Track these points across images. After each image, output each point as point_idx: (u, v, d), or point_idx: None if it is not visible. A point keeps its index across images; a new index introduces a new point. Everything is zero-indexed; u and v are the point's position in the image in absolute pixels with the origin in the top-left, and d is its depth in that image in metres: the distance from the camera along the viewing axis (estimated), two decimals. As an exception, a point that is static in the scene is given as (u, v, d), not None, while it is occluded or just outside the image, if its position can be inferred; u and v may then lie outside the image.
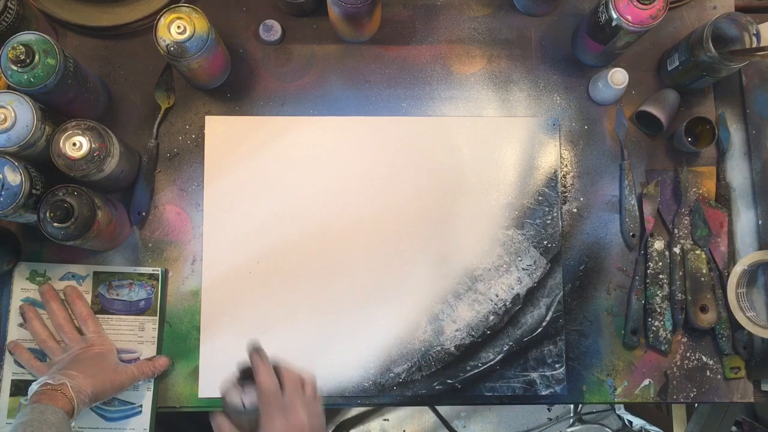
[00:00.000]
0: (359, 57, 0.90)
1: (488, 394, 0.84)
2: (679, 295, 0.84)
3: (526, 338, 0.85)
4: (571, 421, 1.63)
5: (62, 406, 0.67)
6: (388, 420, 1.65)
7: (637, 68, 0.90)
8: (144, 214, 0.85)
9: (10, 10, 0.75)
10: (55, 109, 0.77)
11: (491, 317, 0.85)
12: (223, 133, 0.87)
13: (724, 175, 0.88)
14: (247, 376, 0.66)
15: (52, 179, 0.75)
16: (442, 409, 1.61)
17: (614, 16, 0.76)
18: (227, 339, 0.83)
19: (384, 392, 0.84)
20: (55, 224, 0.71)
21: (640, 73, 0.90)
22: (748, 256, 0.82)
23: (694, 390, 0.85)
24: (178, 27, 0.75)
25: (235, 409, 0.66)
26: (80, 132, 0.73)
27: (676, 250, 0.86)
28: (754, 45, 0.79)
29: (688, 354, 0.85)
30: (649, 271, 0.85)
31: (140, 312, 0.83)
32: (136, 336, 0.82)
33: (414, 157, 0.87)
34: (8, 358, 0.81)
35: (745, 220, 0.87)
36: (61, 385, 0.69)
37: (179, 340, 0.84)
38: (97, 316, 0.82)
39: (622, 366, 0.85)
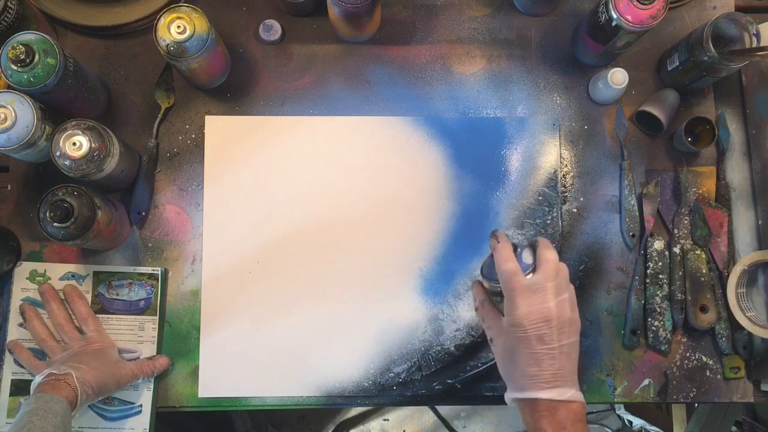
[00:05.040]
0: (359, 57, 0.90)
1: (488, 394, 0.84)
2: (679, 295, 0.84)
3: (526, 338, 0.84)
4: (571, 421, 1.63)
5: (66, 396, 0.67)
6: (388, 420, 1.65)
7: (637, 68, 0.90)
8: (144, 213, 0.85)
9: (10, 10, 0.75)
10: (55, 108, 0.77)
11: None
12: (223, 132, 0.87)
13: (724, 175, 0.88)
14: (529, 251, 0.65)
15: (53, 171, 0.75)
16: (442, 409, 1.61)
17: (614, 16, 0.76)
18: (227, 338, 0.83)
19: (384, 392, 0.84)
20: (55, 224, 0.71)
21: (640, 73, 0.90)
22: (748, 256, 0.82)
23: (694, 390, 0.85)
24: (178, 27, 0.75)
25: (491, 287, 0.67)
26: (80, 132, 0.73)
27: (676, 250, 0.86)
28: (754, 45, 0.79)
29: (687, 354, 0.85)
30: (649, 271, 0.85)
31: (140, 312, 0.83)
32: (135, 336, 0.82)
33: (414, 157, 0.87)
34: (8, 358, 0.81)
35: (745, 220, 0.87)
36: (65, 375, 0.69)
37: (179, 340, 0.84)
38: (97, 315, 0.82)
39: (622, 366, 0.85)
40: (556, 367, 0.61)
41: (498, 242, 0.64)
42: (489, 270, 0.67)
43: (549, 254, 0.63)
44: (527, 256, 0.64)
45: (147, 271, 0.83)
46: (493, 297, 0.68)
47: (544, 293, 0.61)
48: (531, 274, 0.63)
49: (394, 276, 0.85)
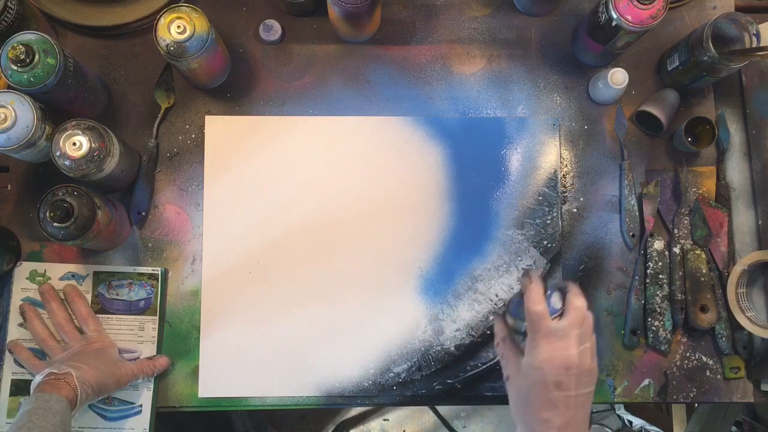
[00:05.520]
0: (359, 57, 0.90)
1: (488, 394, 0.84)
2: (679, 295, 0.84)
3: (526, 338, 0.85)
4: (571, 421, 1.63)
5: (66, 395, 0.67)
6: (388, 420, 1.65)
7: (637, 68, 0.90)
8: (144, 214, 0.85)
9: (10, 10, 0.75)
10: (55, 108, 0.77)
11: (491, 317, 0.85)
12: (223, 132, 0.87)
13: (724, 175, 0.88)
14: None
15: (53, 171, 0.75)
16: (442, 409, 1.60)
17: (614, 16, 0.76)
18: (227, 338, 0.83)
19: (384, 392, 0.84)
20: (55, 224, 0.71)
21: (640, 73, 0.90)
22: (748, 256, 0.82)
23: (694, 390, 0.85)
24: (178, 27, 0.75)
25: (514, 326, 0.67)
26: (80, 132, 0.73)
27: (676, 250, 0.86)
28: (754, 45, 0.79)
29: (688, 354, 0.85)
30: (649, 271, 0.85)
31: (140, 312, 0.83)
32: (135, 336, 0.82)
33: (414, 157, 0.87)
34: (8, 358, 0.81)
35: (745, 220, 0.87)
36: (65, 374, 0.69)
37: (179, 340, 0.84)
38: (97, 315, 0.82)
39: (622, 366, 0.85)
40: (569, 415, 0.60)
41: (530, 282, 0.64)
42: (516, 308, 0.67)
43: (578, 302, 0.63)
44: (556, 300, 0.64)
45: (147, 271, 0.83)
46: (515, 335, 0.68)
47: (569, 340, 0.61)
48: (558, 319, 0.63)
49: (394, 276, 0.85)
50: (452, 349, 0.84)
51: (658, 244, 0.85)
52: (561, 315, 0.63)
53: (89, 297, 0.83)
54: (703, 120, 0.85)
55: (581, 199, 0.88)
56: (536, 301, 0.63)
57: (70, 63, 0.74)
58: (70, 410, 0.67)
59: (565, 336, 0.61)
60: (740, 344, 0.84)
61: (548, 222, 0.86)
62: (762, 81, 0.87)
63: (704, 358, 0.85)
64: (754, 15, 0.82)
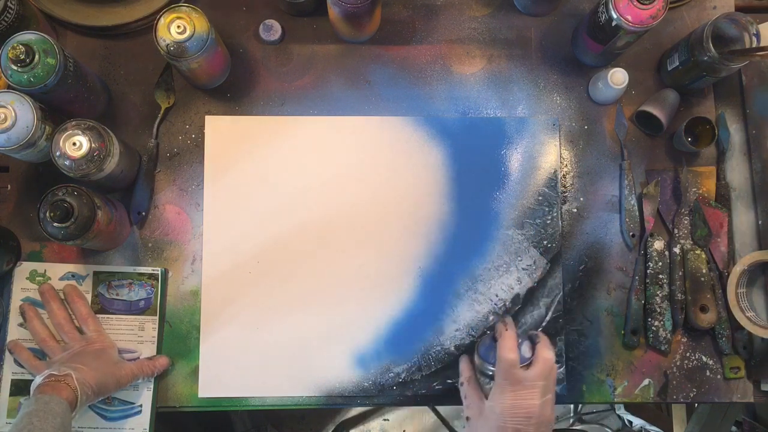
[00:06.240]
0: (359, 57, 0.90)
1: (488, 394, 0.84)
2: (679, 295, 0.84)
3: (526, 338, 0.85)
4: (571, 421, 1.63)
5: (66, 397, 0.67)
6: (388, 420, 1.65)
7: (637, 68, 0.90)
8: (144, 214, 0.85)
9: (10, 10, 0.75)
10: (55, 108, 0.77)
11: (491, 317, 0.85)
12: (223, 132, 0.87)
13: (724, 175, 0.88)
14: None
15: (53, 171, 0.75)
16: (442, 409, 1.60)
17: (614, 16, 0.76)
18: (227, 338, 0.83)
19: (384, 392, 0.84)
20: (55, 224, 0.71)
21: (640, 73, 0.90)
22: (748, 256, 0.82)
23: (694, 390, 0.85)
24: (178, 27, 0.75)
25: (482, 368, 0.69)
26: (80, 132, 0.73)
27: (676, 250, 0.86)
28: (754, 45, 0.79)
29: (688, 354, 0.85)
30: (649, 271, 0.85)
31: (140, 312, 0.83)
32: (135, 336, 0.82)
33: (414, 157, 0.87)
34: (8, 358, 0.81)
35: (745, 220, 0.87)
36: (65, 376, 0.69)
37: (179, 340, 0.84)
38: (97, 315, 0.82)
39: (622, 366, 0.85)
40: None
41: (506, 329, 0.68)
42: (486, 351, 0.70)
43: (547, 354, 0.67)
44: (526, 350, 0.68)
45: (147, 271, 0.83)
46: (481, 377, 0.70)
47: (534, 390, 0.64)
48: (526, 368, 0.66)
49: (394, 276, 0.85)
50: (452, 349, 0.84)
51: (658, 244, 0.85)
52: (530, 365, 0.66)
53: (89, 297, 0.83)
54: (703, 120, 0.85)
55: (581, 199, 0.88)
56: (510, 348, 0.66)
57: (70, 63, 0.74)
58: (70, 412, 0.67)
59: (532, 386, 0.65)
60: (740, 344, 0.84)
61: (548, 222, 0.86)
62: (762, 81, 0.87)
63: (704, 358, 0.85)
64: (754, 15, 0.82)
